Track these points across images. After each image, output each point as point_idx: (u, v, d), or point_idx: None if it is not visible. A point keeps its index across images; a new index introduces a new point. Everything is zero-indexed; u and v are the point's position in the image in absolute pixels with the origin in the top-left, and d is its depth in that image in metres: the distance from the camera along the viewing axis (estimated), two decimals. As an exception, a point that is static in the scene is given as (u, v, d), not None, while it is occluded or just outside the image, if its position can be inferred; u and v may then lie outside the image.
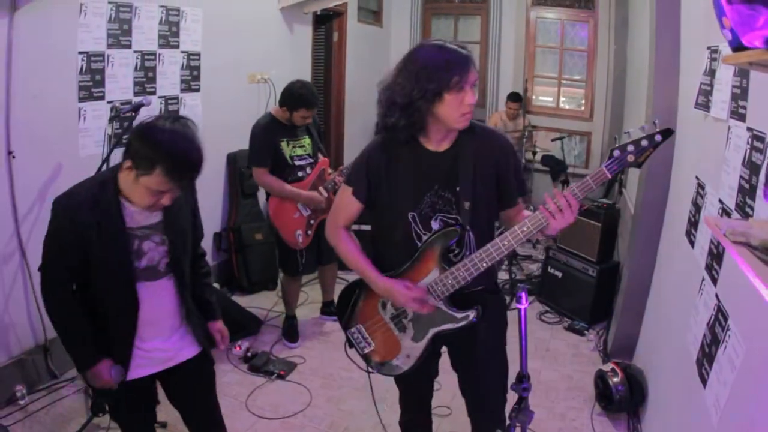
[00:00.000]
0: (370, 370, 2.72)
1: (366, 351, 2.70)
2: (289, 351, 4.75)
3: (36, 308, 3.90)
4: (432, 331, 2.51)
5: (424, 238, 2.44)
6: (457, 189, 2.40)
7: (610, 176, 2.15)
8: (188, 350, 2.59)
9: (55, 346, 4.00)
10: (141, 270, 2.37)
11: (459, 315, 2.45)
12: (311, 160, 4.74)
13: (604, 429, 3.81)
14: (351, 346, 2.74)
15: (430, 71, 2.24)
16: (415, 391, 2.93)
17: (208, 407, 2.77)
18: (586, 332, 5.11)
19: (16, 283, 3.81)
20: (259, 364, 4.39)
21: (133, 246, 2.34)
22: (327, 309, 5.33)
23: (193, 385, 2.67)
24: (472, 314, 2.43)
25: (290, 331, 4.91)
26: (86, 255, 2.28)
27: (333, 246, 2.66)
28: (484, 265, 2.32)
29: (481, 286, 2.52)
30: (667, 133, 2.08)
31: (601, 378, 3.92)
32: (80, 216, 2.24)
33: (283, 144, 4.57)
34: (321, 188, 4.68)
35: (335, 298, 5.26)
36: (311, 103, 4.54)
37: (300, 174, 4.65)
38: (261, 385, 4.22)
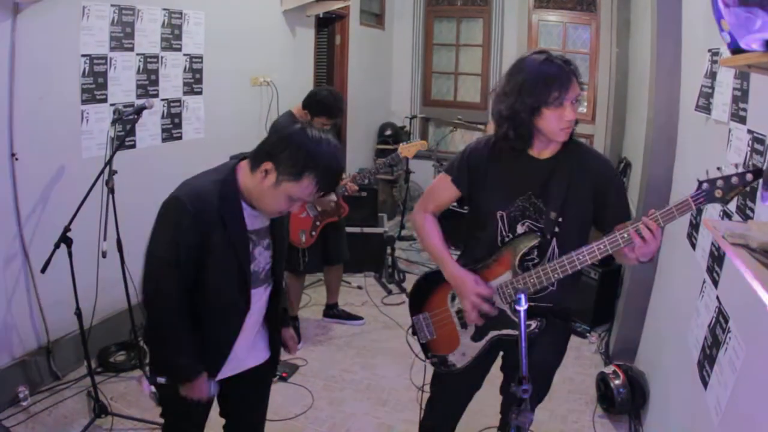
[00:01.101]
0: (427, 360, 2.73)
1: (426, 340, 2.71)
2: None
3: (38, 310, 3.91)
4: (491, 334, 2.52)
5: (507, 239, 2.46)
6: (548, 198, 2.41)
7: (694, 208, 2.06)
8: (259, 355, 2.56)
9: (58, 347, 4.02)
10: (251, 274, 2.33)
11: None
12: None
13: (605, 431, 3.81)
14: (414, 333, 2.76)
15: (530, 85, 2.26)
16: (454, 399, 2.85)
17: (260, 415, 2.76)
18: (588, 335, 5.11)
19: (18, 285, 3.81)
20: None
21: (250, 249, 2.30)
22: (330, 311, 5.33)
23: (253, 390, 2.64)
24: (534, 324, 2.42)
25: None
26: (203, 256, 2.19)
27: (414, 228, 2.68)
28: (556, 276, 2.30)
29: (552, 303, 2.49)
30: (759, 173, 1.97)
31: (602, 380, 3.92)
32: (207, 214, 2.15)
33: None
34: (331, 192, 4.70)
35: (338, 301, 5.30)
36: (333, 113, 4.57)
37: None
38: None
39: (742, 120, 2.44)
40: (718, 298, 2.48)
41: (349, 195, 4.83)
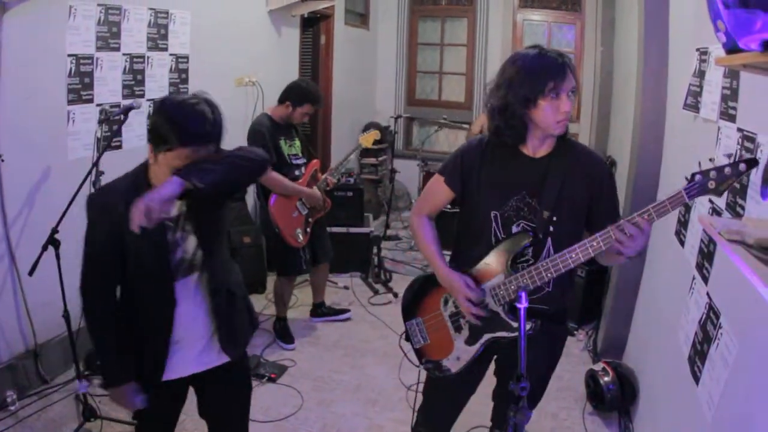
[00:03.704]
0: (421, 366, 2.70)
1: (419, 345, 2.67)
2: (280, 354, 4.73)
3: (25, 313, 3.87)
4: (486, 337, 2.47)
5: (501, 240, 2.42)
6: (542, 197, 2.37)
7: (687, 200, 2.01)
8: (216, 359, 2.48)
9: (46, 350, 3.99)
10: (176, 264, 2.29)
11: (515, 324, 2.37)
12: (304, 160, 4.84)
13: (595, 428, 3.83)
14: (407, 339, 2.72)
15: (524, 77, 2.23)
16: (449, 405, 2.82)
17: (233, 423, 2.70)
18: (575, 332, 5.14)
19: (5, 288, 3.78)
20: (249, 368, 4.38)
21: (168, 237, 2.26)
22: (317, 310, 5.33)
23: (222, 396, 2.60)
24: (529, 325, 2.32)
25: (285, 333, 4.93)
26: (123, 251, 2.20)
27: (411, 231, 2.67)
28: (549, 275, 2.26)
29: (547, 306, 2.45)
30: (752, 163, 1.92)
31: (592, 377, 3.95)
32: (116, 208, 2.15)
33: (282, 143, 4.67)
34: (314, 187, 4.78)
35: (325, 300, 5.31)
36: (318, 99, 4.72)
37: (297, 173, 4.75)
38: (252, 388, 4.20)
39: (732, 118, 2.46)
40: (708, 294, 2.50)
41: (330, 189, 4.94)
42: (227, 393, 2.61)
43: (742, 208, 2.22)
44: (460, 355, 2.55)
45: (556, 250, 2.33)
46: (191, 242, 2.33)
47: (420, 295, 2.68)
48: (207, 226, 2.37)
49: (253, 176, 2.50)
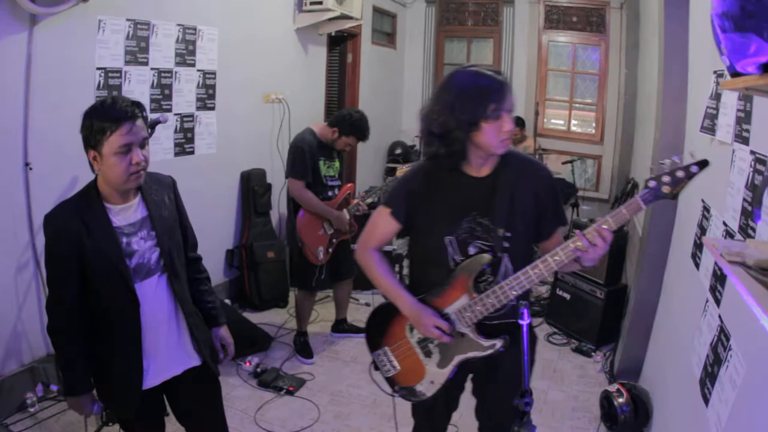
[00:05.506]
0: (394, 394, 2.66)
1: (390, 374, 2.64)
2: (299, 367, 4.77)
3: (49, 318, 3.96)
4: (457, 358, 2.46)
5: (459, 263, 2.41)
6: (494, 216, 2.37)
7: (644, 207, 2.09)
8: (190, 360, 2.59)
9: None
10: (133, 269, 2.38)
11: (486, 343, 2.40)
12: (339, 182, 4.92)
13: (609, 450, 3.82)
14: (376, 368, 2.69)
15: (465, 101, 2.21)
16: (432, 423, 2.85)
17: (212, 423, 2.76)
18: (593, 354, 5.12)
19: (29, 293, 3.87)
20: (268, 380, 4.43)
21: (123, 244, 2.36)
22: (339, 326, 5.38)
23: (196, 398, 2.67)
24: (499, 343, 2.38)
25: (304, 348, 4.98)
26: (81, 262, 2.31)
27: (363, 267, 2.62)
28: (514, 293, 2.28)
29: (513, 318, 2.40)
30: (704, 164, 2.01)
31: (606, 398, 3.93)
32: (67, 223, 2.29)
33: (321, 162, 4.74)
34: (345, 210, 4.84)
35: (347, 316, 5.34)
36: (364, 136, 4.81)
37: (330, 194, 4.82)
38: (270, 400, 4.26)
39: (745, 141, 2.47)
40: (720, 316, 2.50)
41: (360, 214, 4.91)
42: (201, 394, 2.69)
43: (754, 231, 2.23)
44: (433, 379, 2.53)
45: (514, 265, 2.37)
46: (149, 245, 2.44)
47: (383, 325, 2.64)
48: (163, 230, 2.48)
49: None
